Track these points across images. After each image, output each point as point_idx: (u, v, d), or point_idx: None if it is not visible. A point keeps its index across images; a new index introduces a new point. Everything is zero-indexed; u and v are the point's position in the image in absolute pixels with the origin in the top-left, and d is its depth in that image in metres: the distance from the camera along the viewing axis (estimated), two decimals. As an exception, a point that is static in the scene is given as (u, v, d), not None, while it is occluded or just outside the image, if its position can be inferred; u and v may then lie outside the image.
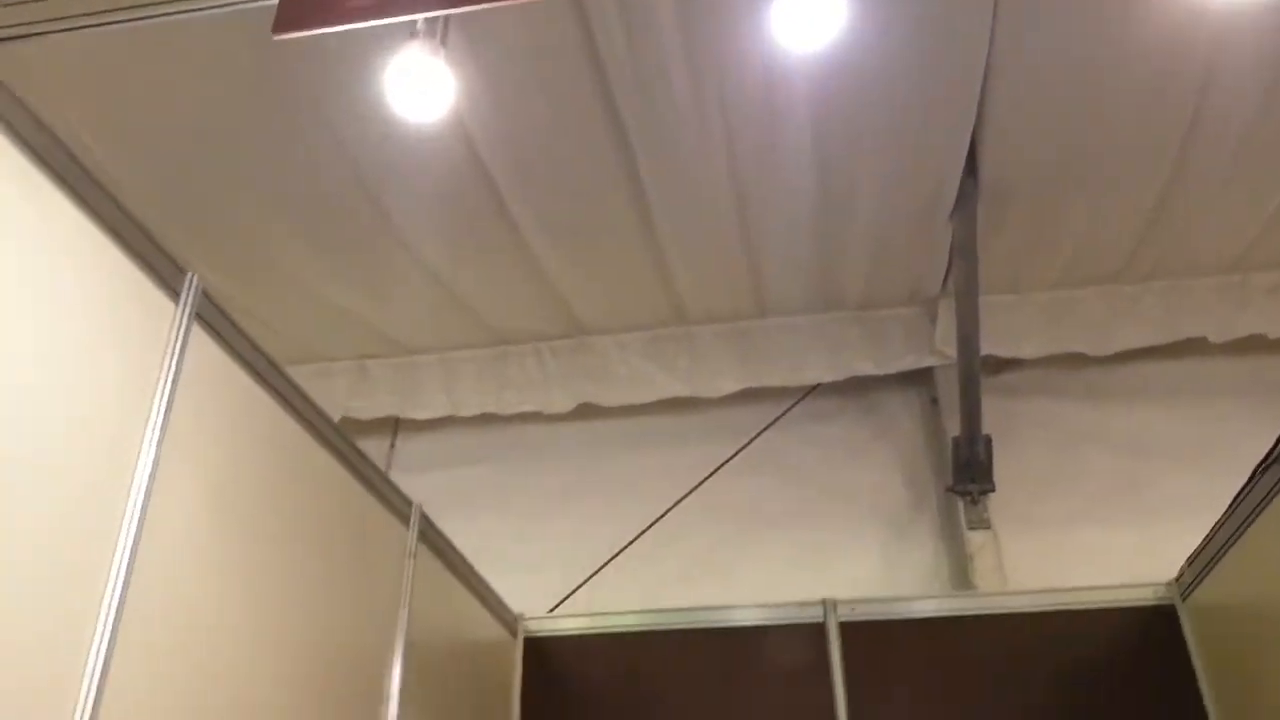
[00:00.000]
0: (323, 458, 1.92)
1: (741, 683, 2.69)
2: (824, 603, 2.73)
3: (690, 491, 3.28)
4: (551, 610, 3.00)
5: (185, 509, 1.49)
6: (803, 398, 3.43)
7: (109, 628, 1.29)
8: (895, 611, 2.70)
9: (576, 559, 3.19)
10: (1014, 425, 3.21)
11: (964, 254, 2.80)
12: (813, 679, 2.64)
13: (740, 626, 2.77)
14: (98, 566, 1.30)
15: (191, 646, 1.46)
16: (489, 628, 2.70)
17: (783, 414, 3.40)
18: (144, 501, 1.38)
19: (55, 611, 1.22)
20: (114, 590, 1.30)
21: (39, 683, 1.18)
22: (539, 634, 2.87)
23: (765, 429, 3.38)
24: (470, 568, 2.56)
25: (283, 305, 3.20)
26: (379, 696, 2.00)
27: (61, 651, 1.22)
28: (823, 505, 3.26)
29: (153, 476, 1.40)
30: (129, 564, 1.34)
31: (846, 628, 2.69)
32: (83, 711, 1.23)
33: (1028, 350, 3.19)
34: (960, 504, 3.07)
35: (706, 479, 3.30)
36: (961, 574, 3.00)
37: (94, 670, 1.25)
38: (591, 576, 3.13)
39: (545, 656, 2.83)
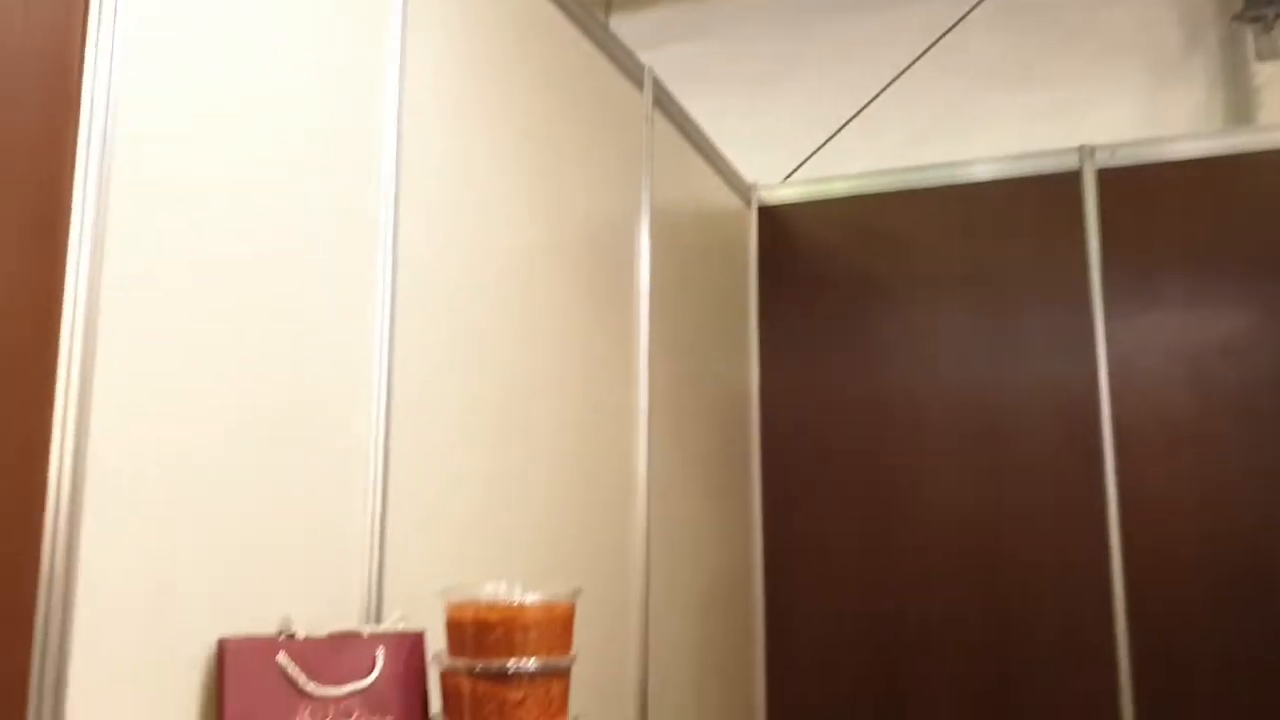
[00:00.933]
0: (557, 19, 1.88)
1: (985, 241, 2.64)
2: (1080, 149, 2.56)
3: (929, 48, 3.04)
4: (786, 178, 2.99)
5: (436, 82, 1.51)
6: (1061, -74, 2.99)
7: (391, 202, 1.38)
8: (1163, 154, 2.50)
9: (808, 128, 3.11)
10: (1328, -68, 2.69)
11: None
12: (1064, 233, 2.56)
13: (984, 181, 2.66)
14: (370, 151, 1.37)
15: (460, 222, 1.56)
16: (724, 197, 2.74)
17: (1036, -52, 2.99)
18: (400, 74, 1.41)
19: (342, 185, 1.31)
20: (390, 165, 1.38)
21: (343, 246, 1.30)
22: (773, 203, 2.89)
23: (1015, -32, 3.00)
24: (703, 135, 2.55)
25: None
26: (630, 261, 2.12)
27: (357, 220, 1.33)
28: (1078, 51, 2.96)
29: (403, 52, 1.42)
30: (398, 136, 1.40)
31: (1105, 175, 2.53)
32: (385, 262, 1.36)
33: None
34: (1249, 33, 2.69)
35: (947, 33, 3.04)
36: (1243, 113, 2.70)
37: (387, 230, 1.37)
38: (825, 143, 3.06)
39: (780, 225, 2.87)
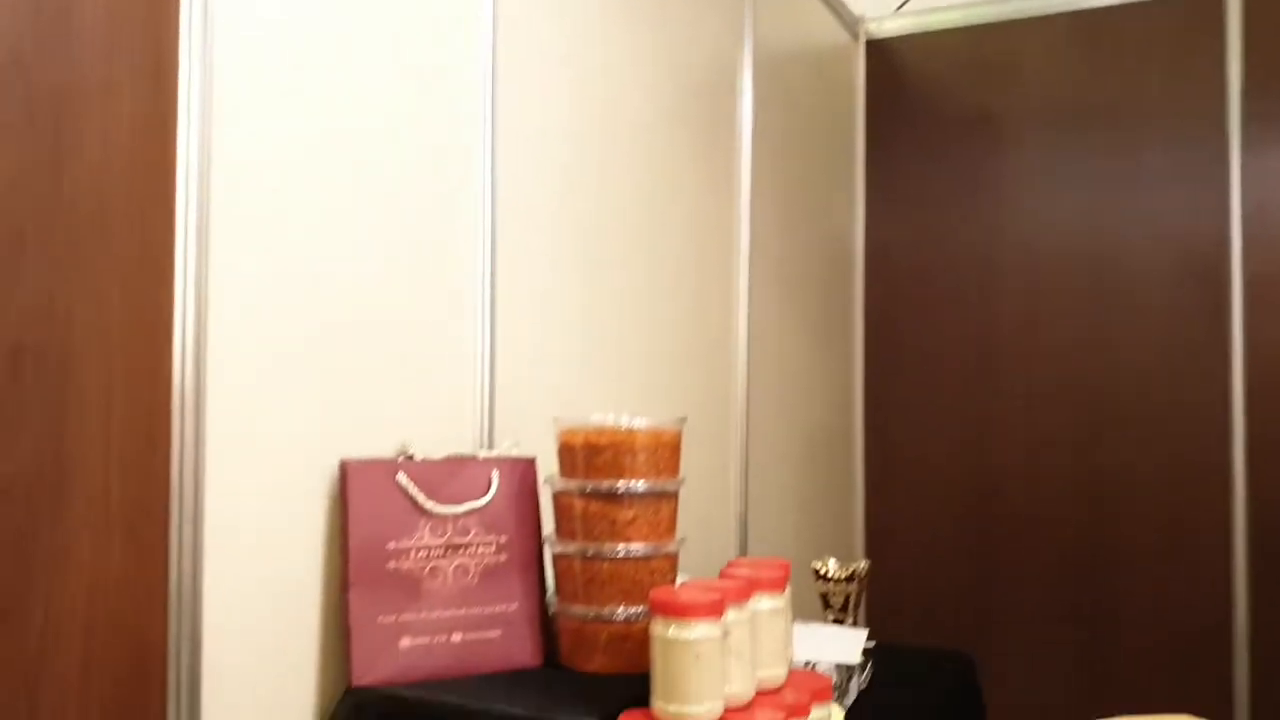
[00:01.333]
0: None
1: (1112, 72, 2.46)
2: (1226, -33, 2.34)
3: None
4: (897, 9, 2.82)
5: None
6: None
7: (490, 42, 1.35)
8: (1322, -33, 2.26)
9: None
10: None
11: None
12: (1201, 61, 2.36)
13: (1113, 5, 2.46)
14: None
15: (559, 63, 1.51)
16: (831, 31, 2.61)
17: None
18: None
19: (442, 23, 1.28)
20: (489, 5, 1.34)
21: (446, 89, 1.28)
22: (882, 37, 2.74)
23: None
24: (810, -37, 2.41)
25: None
26: (732, 100, 2.04)
27: (459, 61, 1.30)
28: None
29: None
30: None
31: (1253, -7, 2.31)
32: (486, 103, 1.34)
33: None
34: None
35: None
36: None
37: (486, 71, 1.34)
38: (939, -31, 2.86)
39: (889, 60, 2.73)
